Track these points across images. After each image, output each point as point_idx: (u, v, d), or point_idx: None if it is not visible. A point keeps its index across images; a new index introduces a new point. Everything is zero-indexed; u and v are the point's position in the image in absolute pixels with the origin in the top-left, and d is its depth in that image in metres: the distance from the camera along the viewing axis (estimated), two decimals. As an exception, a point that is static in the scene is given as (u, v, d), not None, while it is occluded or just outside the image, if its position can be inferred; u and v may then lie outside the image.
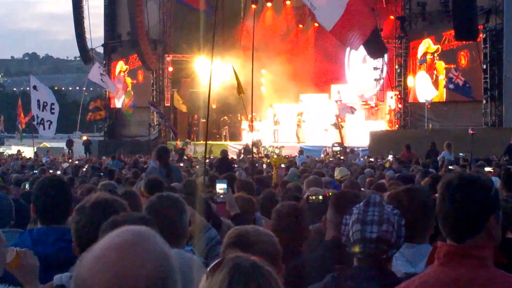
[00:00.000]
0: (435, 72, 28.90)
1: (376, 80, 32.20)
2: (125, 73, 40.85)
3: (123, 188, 7.75)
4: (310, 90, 35.46)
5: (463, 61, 27.48)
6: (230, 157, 21.10)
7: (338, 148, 28.20)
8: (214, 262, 1.89)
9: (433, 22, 29.17)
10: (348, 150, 27.63)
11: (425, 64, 29.37)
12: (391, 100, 32.09)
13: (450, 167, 13.08)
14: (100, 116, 42.65)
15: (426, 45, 29.43)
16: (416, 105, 30.12)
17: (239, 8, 39.10)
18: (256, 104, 21.80)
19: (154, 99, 38.02)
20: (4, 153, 38.51)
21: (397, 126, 31.07)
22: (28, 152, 36.68)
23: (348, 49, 31.97)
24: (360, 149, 28.26)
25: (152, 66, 37.40)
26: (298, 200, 5.95)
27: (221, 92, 32.82)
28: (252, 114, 16.69)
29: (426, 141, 21.78)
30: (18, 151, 36.22)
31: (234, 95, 26.94)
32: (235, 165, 18.18)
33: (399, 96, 31.12)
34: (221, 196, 5.78)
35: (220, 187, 5.79)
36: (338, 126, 30.73)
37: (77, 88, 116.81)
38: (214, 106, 33.24)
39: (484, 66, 25.96)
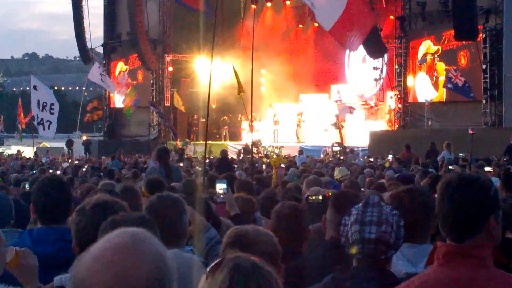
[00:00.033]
0: (435, 73, 28.89)
1: (376, 80, 32.20)
2: (125, 73, 40.84)
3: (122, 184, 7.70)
4: (310, 90, 35.47)
5: (463, 61, 27.48)
6: (230, 157, 21.11)
7: (337, 148, 28.21)
8: (214, 262, 1.89)
9: (433, 22, 29.18)
10: (347, 150, 27.64)
11: (424, 64, 29.36)
12: (391, 100, 32.09)
13: (450, 167, 13.07)
14: (98, 115, 42.66)
15: (427, 46, 29.43)
16: (416, 105, 30.12)
17: (239, 8, 39.09)
18: (256, 104, 21.81)
19: (154, 99, 38.01)
20: (4, 153, 38.50)
21: (396, 126, 31.07)
22: (28, 152, 36.67)
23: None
24: (360, 149, 28.27)
25: (152, 66, 37.39)
26: (297, 201, 5.95)
27: (221, 92, 32.81)
28: (251, 114, 16.69)
29: (426, 141, 21.78)
30: (18, 151, 36.22)
31: (234, 95, 26.95)
32: (235, 165, 18.18)
33: (399, 96, 31.12)
34: (221, 196, 5.77)
35: (220, 187, 5.79)
36: (338, 126, 30.74)
37: (77, 88, 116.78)
38: (214, 106, 33.23)
39: (484, 66, 25.97)
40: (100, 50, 43.36)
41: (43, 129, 25.67)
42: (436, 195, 2.65)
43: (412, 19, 30.63)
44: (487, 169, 12.97)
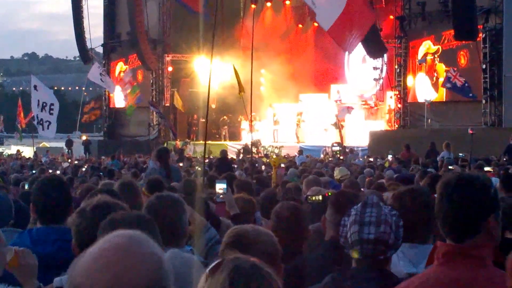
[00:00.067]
0: (435, 74, 28.88)
1: (375, 80, 32.21)
2: (125, 73, 40.81)
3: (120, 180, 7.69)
4: (309, 90, 35.49)
5: (462, 61, 27.48)
6: (229, 157, 21.10)
7: (337, 148, 28.21)
8: (214, 263, 1.89)
9: (432, 22, 29.18)
10: (347, 150, 27.64)
11: (424, 64, 29.36)
12: (390, 100, 32.10)
13: (450, 167, 13.07)
14: (95, 115, 42.64)
15: (427, 46, 29.43)
16: (415, 105, 30.12)
17: (238, 8, 39.08)
18: (256, 104, 21.80)
19: (154, 99, 38.00)
20: (4, 153, 38.50)
21: (396, 126, 31.07)
22: (27, 152, 36.67)
23: (347, 49, 31.92)
24: (360, 148, 28.27)
25: (151, 66, 37.38)
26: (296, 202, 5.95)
27: (221, 92, 32.81)
28: (251, 114, 16.68)
29: (426, 141, 21.79)
30: (18, 151, 36.22)
31: (234, 95, 26.94)
32: (235, 166, 18.18)
33: (398, 96, 31.13)
34: (221, 196, 5.77)
35: (220, 187, 5.79)
36: (338, 126, 30.76)
37: (77, 88, 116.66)
38: (213, 106, 33.23)
39: (484, 66, 25.97)
40: (100, 50, 43.38)
41: (43, 129, 25.61)
42: (435, 195, 2.65)
43: (412, 19, 30.64)
44: (486, 169, 12.97)
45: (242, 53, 33.07)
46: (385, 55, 30.03)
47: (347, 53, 33.97)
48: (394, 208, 3.20)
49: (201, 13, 24.85)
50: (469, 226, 2.51)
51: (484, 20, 25.68)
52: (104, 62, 41.63)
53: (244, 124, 33.93)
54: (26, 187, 9.65)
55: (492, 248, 2.52)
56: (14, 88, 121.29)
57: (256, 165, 17.65)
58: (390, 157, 20.38)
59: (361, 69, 33.92)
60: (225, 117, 36.57)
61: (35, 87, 25.92)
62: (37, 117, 25.41)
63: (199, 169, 13.65)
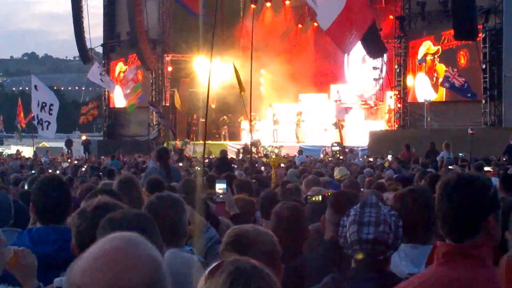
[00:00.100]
0: (435, 74, 28.87)
1: (375, 79, 32.21)
2: (124, 73, 40.81)
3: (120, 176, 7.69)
4: (309, 89, 35.47)
5: (462, 61, 27.48)
6: (229, 157, 21.10)
7: (337, 148, 28.21)
8: (213, 265, 1.89)
9: (432, 21, 29.17)
10: (347, 150, 27.64)
11: (424, 64, 29.35)
12: (390, 99, 32.09)
13: (450, 167, 13.07)
14: (92, 116, 42.65)
15: (427, 46, 29.42)
16: (415, 105, 30.12)
17: (238, 8, 39.08)
18: (256, 104, 21.80)
19: (153, 99, 38.00)
20: (3, 153, 38.50)
21: (396, 125, 31.07)
22: (27, 152, 36.68)
23: (347, 48, 31.92)
24: (360, 148, 28.28)
25: (151, 66, 37.38)
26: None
27: (221, 92, 32.82)
28: (250, 115, 16.66)
29: (426, 141, 21.79)
30: (17, 150, 36.22)
31: (234, 95, 26.94)
32: (235, 166, 18.17)
33: (398, 95, 31.13)
34: (221, 196, 5.77)
35: (220, 187, 5.79)
36: (338, 126, 30.77)
37: (76, 88, 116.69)
38: (213, 106, 33.23)
39: (484, 66, 25.96)
40: (100, 50, 43.38)
41: (42, 129, 25.62)
42: (435, 195, 2.66)
43: (412, 19, 30.64)
44: (486, 168, 12.97)
45: (242, 53, 33.04)
46: (385, 55, 30.03)
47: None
48: (396, 209, 3.20)
49: (201, 13, 24.87)
50: (469, 226, 2.51)
51: (484, 20, 25.68)
52: (103, 62, 41.63)
53: (244, 124, 33.93)
54: (26, 187, 9.65)
55: (492, 248, 2.52)
56: (13, 88, 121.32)
57: (256, 165, 17.64)
58: (389, 157, 20.38)
59: (361, 69, 33.91)
60: (224, 117, 36.57)
61: (35, 87, 25.92)
62: (37, 117, 25.42)
63: (199, 169, 13.64)
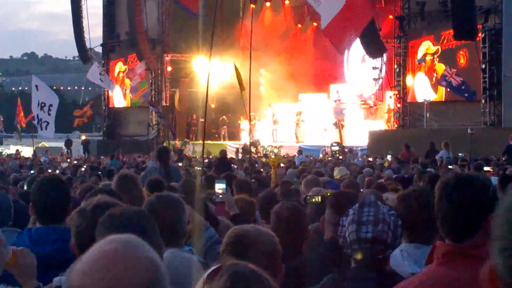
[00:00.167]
0: (434, 74, 28.87)
1: (375, 79, 32.20)
2: (124, 73, 40.82)
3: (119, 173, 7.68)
4: (309, 89, 35.48)
5: (462, 61, 27.48)
6: (229, 157, 21.10)
7: (336, 148, 28.22)
8: (212, 269, 1.89)
9: (432, 21, 29.18)
10: (346, 149, 27.65)
11: (423, 64, 29.36)
12: (390, 99, 32.09)
13: (450, 166, 13.08)
14: (87, 117, 42.61)
15: (426, 46, 29.42)
16: (415, 105, 30.12)
17: (238, 7, 39.09)
18: (255, 104, 21.82)
19: (153, 99, 38.00)
20: (3, 153, 38.48)
21: (396, 125, 31.07)
22: (26, 151, 36.66)
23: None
24: (359, 148, 28.28)
25: (151, 66, 37.38)
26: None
27: (220, 92, 32.82)
28: (250, 114, 16.67)
29: (425, 141, 21.80)
30: (17, 150, 36.20)
31: (233, 95, 26.95)
32: (234, 166, 18.17)
33: (398, 95, 31.13)
34: (220, 196, 5.76)
35: (219, 187, 5.78)
36: (338, 126, 30.78)
37: (76, 88, 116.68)
38: (213, 106, 33.23)
39: (483, 66, 25.97)
40: (99, 50, 43.35)
41: (41, 129, 25.64)
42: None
43: (411, 18, 30.64)
44: (486, 168, 12.98)
45: (242, 53, 33.01)
46: (384, 55, 30.01)
47: (346, 53, 34.06)
48: (399, 209, 3.20)
49: (200, 13, 24.89)
50: (469, 226, 2.51)
51: (483, 20, 25.69)
52: (103, 62, 41.61)
53: (244, 124, 33.93)
54: (25, 187, 9.64)
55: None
56: (13, 88, 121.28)
57: (256, 165, 17.65)
58: (389, 157, 20.39)
59: (361, 69, 33.90)
60: (224, 117, 36.58)
61: (36, 87, 25.92)
62: (37, 117, 25.43)
63: (199, 169, 13.64)
